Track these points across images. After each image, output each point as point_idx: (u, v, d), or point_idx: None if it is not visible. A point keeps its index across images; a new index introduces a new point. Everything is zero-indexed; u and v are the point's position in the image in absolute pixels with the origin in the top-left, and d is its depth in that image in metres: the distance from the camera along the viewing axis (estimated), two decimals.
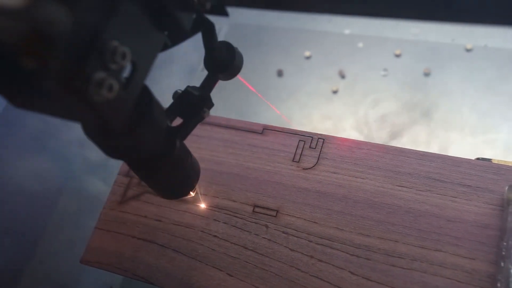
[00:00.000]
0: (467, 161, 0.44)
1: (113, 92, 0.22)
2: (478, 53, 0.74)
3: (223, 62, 0.36)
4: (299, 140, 0.49)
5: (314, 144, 0.49)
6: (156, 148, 0.31)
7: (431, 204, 0.43)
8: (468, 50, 0.75)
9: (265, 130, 0.51)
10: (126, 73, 0.23)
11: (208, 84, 0.37)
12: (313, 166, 0.48)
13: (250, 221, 0.46)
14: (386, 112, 0.72)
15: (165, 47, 0.28)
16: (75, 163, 0.78)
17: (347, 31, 0.82)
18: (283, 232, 0.45)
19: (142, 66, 0.24)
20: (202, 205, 0.48)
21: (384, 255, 0.42)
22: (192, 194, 0.40)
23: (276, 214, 0.46)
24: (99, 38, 0.20)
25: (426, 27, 0.78)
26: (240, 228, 0.46)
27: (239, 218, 0.47)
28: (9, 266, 0.70)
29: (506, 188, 0.41)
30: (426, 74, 0.74)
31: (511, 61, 0.71)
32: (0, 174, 0.69)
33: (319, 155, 0.48)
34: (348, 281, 0.41)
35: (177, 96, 0.37)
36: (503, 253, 0.38)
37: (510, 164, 0.43)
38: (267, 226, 0.45)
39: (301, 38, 0.81)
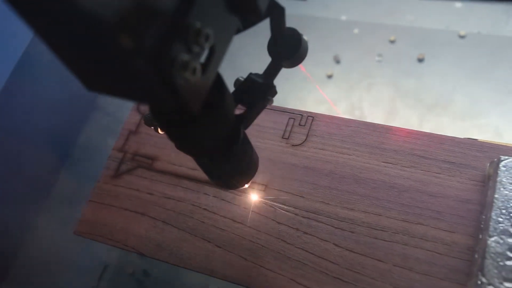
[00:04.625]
0: (451, 138, 0.45)
1: (196, 75, 0.21)
2: (471, 40, 0.74)
3: (289, 49, 0.35)
4: (289, 118, 0.50)
5: (303, 121, 0.50)
6: (223, 136, 0.30)
7: (414, 180, 0.44)
8: (461, 37, 0.75)
9: None
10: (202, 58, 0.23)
11: (272, 71, 0.36)
12: (302, 143, 0.49)
13: (239, 195, 0.47)
14: (380, 97, 0.73)
15: (237, 31, 0.27)
16: (74, 140, 0.79)
17: (343, 17, 0.83)
18: (271, 206, 0.46)
19: (219, 50, 0.23)
20: (255, 197, 0.47)
21: (367, 228, 0.43)
22: (246, 185, 0.38)
23: (265, 188, 0.47)
24: (185, 18, 0.19)
25: (420, 14, 0.79)
26: (229, 202, 0.47)
27: (229, 192, 0.48)
28: (6, 242, 0.71)
29: (488, 164, 0.42)
30: (420, 60, 0.75)
31: (503, 48, 0.72)
32: None
33: (308, 132, 0.49)
34: (332, 253, 0.43)
35: (239, 83, 0.35)
36: (482, 225, 0.39)
37: (493, 142, 0.44)
38: (255, 200, 0.47)
39: (297, 23, 0.81)
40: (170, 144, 0.30)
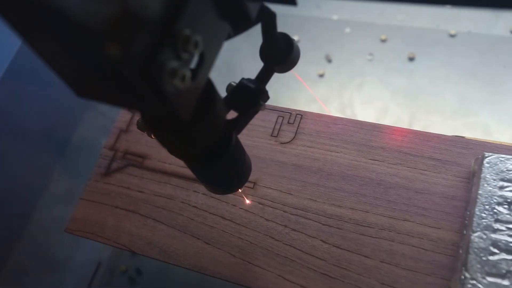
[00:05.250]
0: (438, 136, 0.46)
1: (185, 82, 0.21)
2: (461, 39, 0.75)
3: (281, 54, 0.35)
4: (278, 116, 0.51)
5: (292, 119, 0.50)
6: (214, 142, 0.29)
7: (401, 177, 0.44)
8: (452, 36, 0.76)
9: None
10: (192, 64, 0.23)
11: (264, 76, 0.35)
12: (291, 141, 0.49)
13: None
14: (371, 95, 0.74)
15: (228, 37, 0.27)
16: (67, 139, 0.80)
17: (335, 17, 0.83)
18: (260, 203, 0.46)
19: (209, 56, 0.23)
20: (244, 195, 0.48)
21: (354, 224, 0.43)
22: (240, 190, 0.38)
23: (254, 186, 0.47)
24: (174, 25, 0.19)
25: (411, 13, 0.79)
26: (218, 199, 0.48)
27: None
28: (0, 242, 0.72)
29: (473, 161, 0.43)
30: (411, 59, 0.75)
31: (494, 47, 0.73)
32: None
33: (297, 130, 0.50)
34: (320, 249, 0.43)
35: (231, 88, 0.35)
36: (466, 221, 0.40)
37: (478, 139, 0.45)
38: (244, 197, 0.47)
39: (289, 23, 0.82)
40: None
